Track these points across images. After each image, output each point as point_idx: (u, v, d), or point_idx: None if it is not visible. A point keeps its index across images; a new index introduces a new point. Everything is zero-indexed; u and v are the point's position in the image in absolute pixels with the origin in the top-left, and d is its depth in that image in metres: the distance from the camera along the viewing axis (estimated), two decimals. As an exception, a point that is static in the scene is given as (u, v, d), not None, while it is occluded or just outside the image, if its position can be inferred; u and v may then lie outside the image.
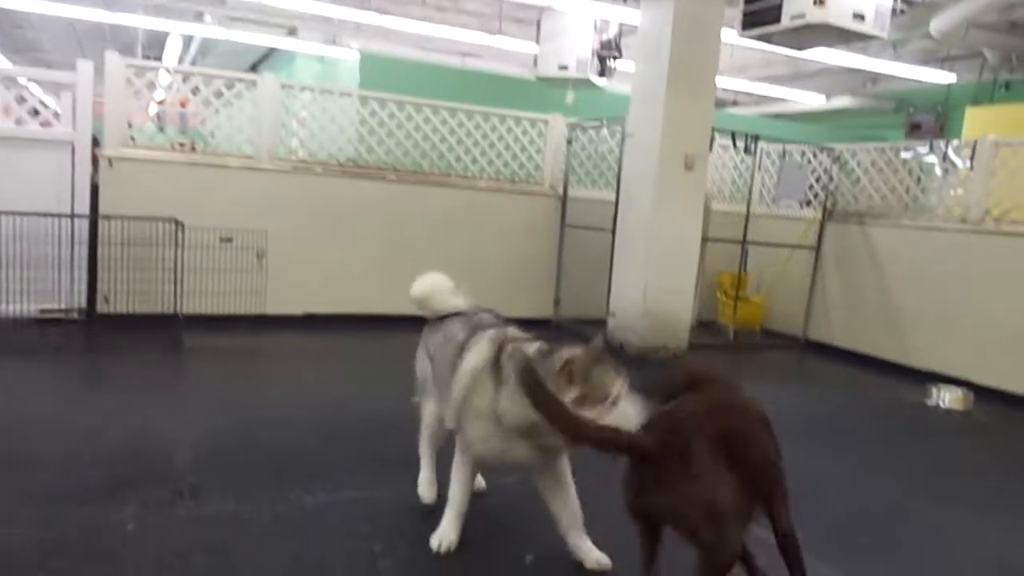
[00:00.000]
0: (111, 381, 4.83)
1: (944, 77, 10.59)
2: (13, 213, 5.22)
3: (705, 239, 6.82)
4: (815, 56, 9.55)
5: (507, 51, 10.89)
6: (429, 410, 3.06)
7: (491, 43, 10.43)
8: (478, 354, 2.60)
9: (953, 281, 6.26)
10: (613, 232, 6.58)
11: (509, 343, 2.55)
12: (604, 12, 7.77)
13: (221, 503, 2.96)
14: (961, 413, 5.52)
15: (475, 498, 3.17)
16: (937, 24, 8.39)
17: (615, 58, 7.99)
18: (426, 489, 3.07)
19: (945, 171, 6.69)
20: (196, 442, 3.59)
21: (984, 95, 10.83)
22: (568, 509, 2.67)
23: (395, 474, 3.24)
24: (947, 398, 5.64)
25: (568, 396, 2.22)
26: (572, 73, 7.77)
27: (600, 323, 6.60)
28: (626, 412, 2.24)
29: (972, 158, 6.29)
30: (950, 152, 6.59)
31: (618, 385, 2.28)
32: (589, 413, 2.18)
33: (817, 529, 3.15)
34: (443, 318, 3.03)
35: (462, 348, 2.68)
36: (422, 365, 3.11)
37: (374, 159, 6.82)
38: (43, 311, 5.59)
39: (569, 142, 7.38)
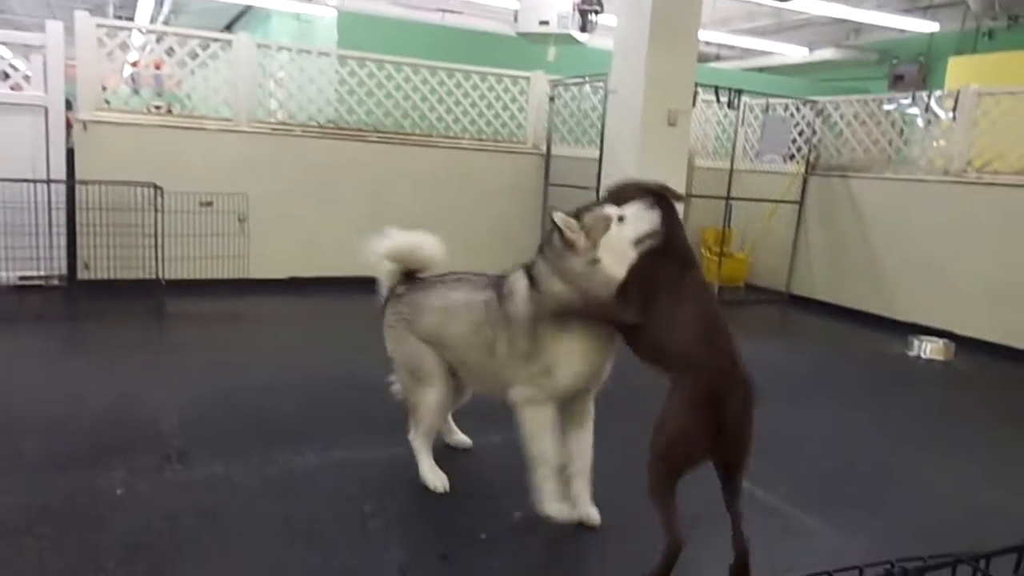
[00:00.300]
0: (93, 347, 4.79)
1: (927, 26, 10.55)
2: (-13, 180, 5.14)
3: (689, 195, 6.80)
4: (798, 7, 9.50)
5: (487, 6, 10.74)
6: (431, 399, 2.85)
7: (471, -2, 10.28)
8: (521, 286, 2.55)
9: (935, 233, 6.29)
10: (597, 190, 6.54)
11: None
12: (585, -35, 7.64)
13: (209, 467, 2.96)
14: (943, 363, 5.59)
15: (462, 455, 3.21)
16: (920, -28, 8.32)
17: (596, 12, 7.86)
18: (436, 476, 2.87)
19: (927, 122, 6.69)
20: (182, 407, 3.58)
21: (967, 44, 10.78)
22: (582, 450, 2.63)
23: (384, 434, 3.25)
24: (929, 349, 5.70)
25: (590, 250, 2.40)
26: (553, 28, 7.64)
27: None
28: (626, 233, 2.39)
29: (955, 109, 6.29)
30: (932, 103, 6.57)
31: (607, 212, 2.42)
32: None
33: (802, 481, 3.20)
34: (411, 289, 2.93)
35: (499, 300, 2.61)
36: (412, 349, 2.87)
37: (354, 120, 6.73)
38: (22, 278, 5.53)
39: (551, 100, 7.31)
